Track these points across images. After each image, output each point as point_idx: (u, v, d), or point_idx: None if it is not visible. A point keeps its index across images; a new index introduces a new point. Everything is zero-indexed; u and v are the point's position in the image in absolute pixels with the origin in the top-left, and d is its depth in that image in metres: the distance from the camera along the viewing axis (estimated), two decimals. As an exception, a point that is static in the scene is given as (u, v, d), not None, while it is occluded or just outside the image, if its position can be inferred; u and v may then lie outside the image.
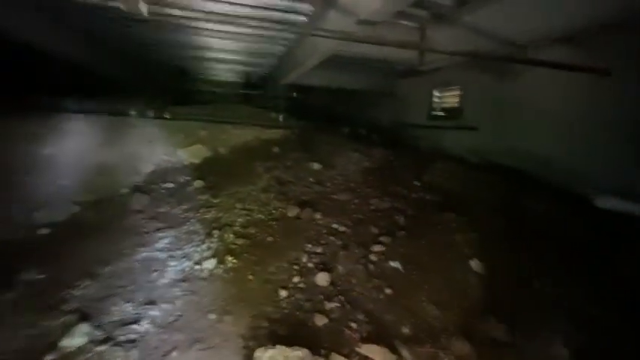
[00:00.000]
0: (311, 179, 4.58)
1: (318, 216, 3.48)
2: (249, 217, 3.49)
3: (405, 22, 4.37)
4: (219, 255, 2.79)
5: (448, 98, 6.10)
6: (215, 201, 3.86)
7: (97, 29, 5.19)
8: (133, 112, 5.70)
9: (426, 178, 4.57)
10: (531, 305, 2.56)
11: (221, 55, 7.29)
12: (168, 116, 5.89)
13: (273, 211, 3.65)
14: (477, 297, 2.62)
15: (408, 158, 5.53)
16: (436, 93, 6.25)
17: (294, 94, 8.16)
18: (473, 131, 5.54)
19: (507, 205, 3.80)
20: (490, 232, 3.28)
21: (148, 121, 5.59)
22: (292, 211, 3.53)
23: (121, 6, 1.86)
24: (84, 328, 2.01)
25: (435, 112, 6.29)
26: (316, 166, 4.98)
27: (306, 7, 4.14)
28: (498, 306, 2.49)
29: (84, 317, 2.13)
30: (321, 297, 2.40)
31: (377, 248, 2.88)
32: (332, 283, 2.54)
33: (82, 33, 5.25)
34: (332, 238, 3.12)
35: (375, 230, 3.22)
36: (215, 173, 4.63)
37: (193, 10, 3.87)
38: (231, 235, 3.11)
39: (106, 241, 3.02)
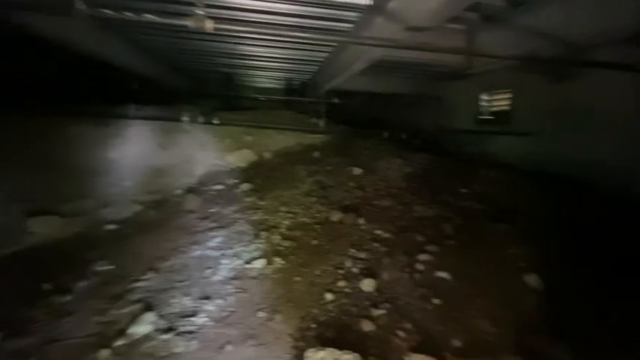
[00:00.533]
0: (352, 184, 4.59)
1: (361, 221, 3.49)
2: (293, 220, 3.59)
3: (453, 26, 4.26)
4: (267, 255, 2.89)
5: (497, 102, 5.81)
6: (261, 203, 4.02)
7: (158, 43, 5.63)
8: (185, 118, 6.10)
9: (474, 186, 4.38)
10: (596, 324, 2.35)
11: (265, 63, 7.58)
12: (216, 122, 6.22)
13: (317, 215, 3.71)
14: (534, 313, 2.45)
15: (454, 164, 5.34)
16: (484, 96, 5.98)
17: (334, 100, 8.23)
18: (524, 137, 5.22)
19: (564, 217, 3.52)
20: (547, 245, 3.06)
21: (198, 127, 5.95)
22: (335, 216, 3.56)
23: (189, 24, 2.03)
24: (149, 317, 2.19)
25: (482, 117, 6.02)
26: (357, 170, 4.99)
27: (352, 15, 4.19)
28: (559, 324, 2.31)
29: (148, 307, 2.32)
30: (367, 303, 2.39)
31: (423, 257, 2.82)
32: (377, 290, 2.52)
33: (147, 48, 5.73)
34: (375, 244, 3.10)
35: (420, 238, 3.15)
36: (260, 177, 4.81)
37: (248, 22, 4.08)
38: (278, 237, 3.22)
39: (164, 238, 3.27)
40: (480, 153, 5.81)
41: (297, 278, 2.62)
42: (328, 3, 3.75)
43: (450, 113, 6.91)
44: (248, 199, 4.14)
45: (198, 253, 3.00)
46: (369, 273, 2.67)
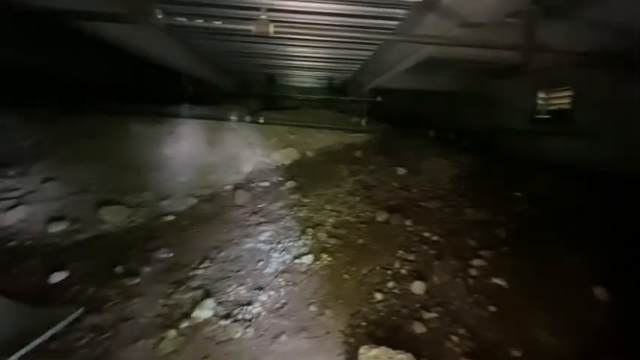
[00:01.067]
0: (396, 184, 4.53)
1: (407, 222, 3.44)
2: (338, 219, 3.63)
3: (511, 20, 4.03)
4: (314, 252, 2.96)
5: (556, 100, 5.40)
6: (306, 201, 4.10)
7: (209, 47, 5.93)
8: (233, 118, 6.39)
9: (528, 189, 4.13)
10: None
11: (307, 63, 7.69)
12: (262, 121, 6.44)
13: (361, 214, 3.72)
14: (600, 327, 2.27)
15: (505, 166, 5.07)
16: (541, 94, 5.58)
17: (377, 98, 8.14)
18: (585, 137, 4.80)
19: (628, 223, 3.20)
20: (612, 253, 2.81)
21: (245, 126, 6.21)
22: (381, 216, 3.55)
23: (253, 29, 2.13)
24: (209, 303, 2.34)
25: (538, 116, 5.63)
26: (401, 171, 4.91)
27: (399, 12, 4.12)
28: (628, 339, 2.12)
29: (207, 294, 2.48)
30: (418, 305, 2.36)
31: (477, 262, 2.72)
32: (428, 293, 2.48)
33: (200, 51, 6.05)
34: (424, 246, 3.05)
35: (472, 243, 3.04)
36: (304, 175, 4.91)
37: (302, 24, 4.16)
38: (324, 235, 3.27)
39: (217, 230, 3.46)
40: (534, 154, 5.44)
41: (346, 276, 2.65)
42: (376, 1, 3.72)
43: (502, 112, 6.54)
44: (293, 197, 4.25)
45: (250, 245, 3.15)
46: (418, 275, 2.64)
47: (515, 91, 6.23)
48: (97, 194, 4.08)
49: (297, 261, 2.85)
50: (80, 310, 2.33)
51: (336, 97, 9.17)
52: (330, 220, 3.58)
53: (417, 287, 2.49)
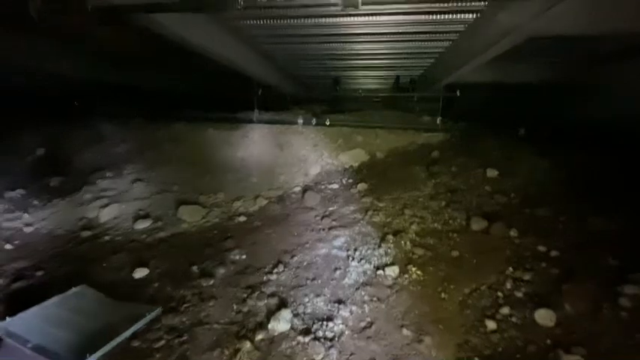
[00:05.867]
0: (487, 188, 3.88)
1: (512, 233, 2.82)
2: (422, 225, 3.16)
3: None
4: (399, 263, 2.55)
5: None
6: (380, 204, 3.71)
7: (277, 52, 5.93)
8: (299, 121, 6.31)
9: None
10: None
11: (372, 61, 7.31)
12: (328, 123, 6.25)
13: (450, 222, 3.19)
14: None
15: (629, 165, 4.03)
16: (682, 77, 4.38)
17: (452, 94, 7.39)
18: None
19: None
20: None
21: (311, 128, 6.07)
22: (477, 224, 2.98)
23: (339, 2, 1.86)
24: (285, 314, 2.09)
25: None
26: (491, 172, 4.22)
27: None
28: None
29: (283, 303, 2.25)
30: (549, 342, 1.80)
31: (630, 290, 2.02)
32: (560, 325, 1.89)
33: (268, 57, 6.10)
34: (542, 263, 2.42)
35: (612, 262, 2.33)
36: (375, 177, 4.53)
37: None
38: (408, 243, 2.84)
39: (289, 232, 3.27)
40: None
41: (443, 295, 2.19)
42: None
43: (618, 102, 5.34)
44: (365, 200, 3.89)
45: (324, 251, 2.87)
46: (542, 301, 2.05)
47: (635, 76, 5.01)
48: (177, 194, 4.24)
49: (380, 272, 2.47)
50: (159, 310, 2.28)
51: (404, 94, 8.62)
52: (413, 227, 3.13)
53: (544, 317, 1.92)
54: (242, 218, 3.71)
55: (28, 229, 3.86)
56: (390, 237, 2.96)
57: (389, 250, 2.74)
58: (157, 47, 3.81)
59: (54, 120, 5.98)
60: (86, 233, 3.71)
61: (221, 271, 2.76)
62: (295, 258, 2.80)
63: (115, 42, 4.03)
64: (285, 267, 2.69)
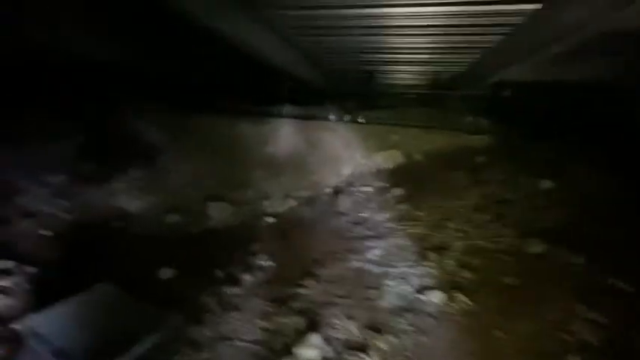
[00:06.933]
0: (542, 201, 3.45)
1: (578, 260, 2.43)
2: (467, 242, 2.83)
3: None
4: (444, 287, 2.26)
5: None
6: (418, 214, 3.41)
7: (311, 45, 5.68)
8: (332, 117, 6.05)
9: None
10: None
11: (412, 55, 6.86)
12: (362, 120, 5.95)
13: (499, 240, 2.83)
14: None
15: None
16: None
17: (501, 92, 6.79)
18: None
19: None
20: None
21: (343, 125, 5.80)
22: (534, 246, 2.61)
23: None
24: (315, 340, 1.89)
25: None
26: (546, 183, 3.76)
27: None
28: None
29: (312, 324, 2.05)
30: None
31: None
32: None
33: (301, 50, 5.87)
34: (619, 301, 2.04)
35: None
36: (412, 181, 4.20)
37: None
38: (452, 263, 2.54)
39: (319, 239, 3.06)
40: None
41: (498, 333, 1.89)
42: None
43: None
44: (401, 207, 3.60)
45: (357, 264, 2.63)
46: (622, 353, 1.70)
47: None
48: (206, 189, 4.17)
49: (421, 297, 2.20)
50: (181, 318, 2.16)
51: (444, 92, 8.08)
52: (457, 243, 2.81)
53: (628, 375, 1.58)
54: (270, 219, 3.55)
55: (64, 216, 3.93)
56: (430, 254, 2.66)
57: (430, 270, 2.46)
58: (186, 38, 3.68)
59: (90, 107, 6.09)
60: (117, 224, 3.72)
61: (247, 277, 2.61)
62: (325, 270, 2.59)
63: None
64: (314, 279, 2.49)
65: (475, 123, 6.23)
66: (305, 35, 5.58)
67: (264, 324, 2.11)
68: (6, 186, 3.86)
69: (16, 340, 1.90)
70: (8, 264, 2.75)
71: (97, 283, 2.42)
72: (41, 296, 2.42)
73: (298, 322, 2.07)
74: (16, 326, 1.91)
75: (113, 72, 5.35)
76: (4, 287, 2.56)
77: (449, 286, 2.27)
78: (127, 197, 4.14)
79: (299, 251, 2.89)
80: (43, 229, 3.54)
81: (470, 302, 2.11)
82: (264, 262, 2.80)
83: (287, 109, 6.64)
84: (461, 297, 2.15)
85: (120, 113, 5.65)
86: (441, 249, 2.74)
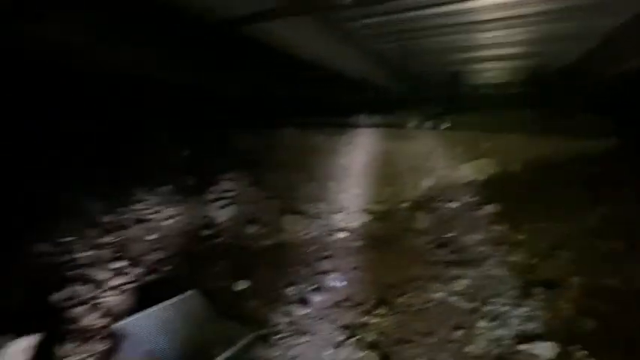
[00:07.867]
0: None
1: None
2: (587, 279, 2.22)
3: None
4: (556, 337, 1.78)
5: None
6: (519, 237, 2.87)
7: (387, 51, 5.47)
8: (411, 124, 5.68)
9: None
10: None
11: (502, 51, 6.01)
12: (445, 126, 5.43)
13: (634, 278, 2.16)
14: None
15: None
16: None
17: (625, 87, 5.47)
18: None
19: None
20: None
21: (424, 132, 5.38)
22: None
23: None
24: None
25: None
26: None
27: None
28: None
29: (386, 362, 1.82)
30: None
31: None
32: None
33: (377, 57, 5.71)
34: None
35: None
36: (508, 196, 3.59)
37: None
38: (568, 305, 2.01)
39: (395, 262, 2.80)
40: None
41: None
42: None
43: None
44: (496, 227, 3.09)
45: (439, 295, 2.30)
46: None
47: None
48: (282, 201, 4.27)
49: (524, 348, 1.77)
50: (254, 336, 2.17)
51: (544, 91, 6.88)
52: (574, 279, 2.23)
53: None
54: (342, 234, 3.43)
55: (165, 223, 4.48)
56: (537, 290, 2.17)
57: (538, 313, 1.98)
58: (261, 54, 3.87)
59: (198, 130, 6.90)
60: (205, 232, 4.06)
61: (317, 298, 2.51)
62: (402, 298, 2.33)
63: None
64: (389, 309, 2.25)
65: (587, 124, 5.11)
66: (386, 42, 5.38)
67: (333, 355, 1.97)
68: (128, 196, 4.59)
69: (114, 338, 2.13)
70: (123, 264, 3.20)
71: (188, 291, 2.61)
72: (141, 297, 2.72)
73: (370, 357, 1.86)
74: (115, 325, 2.15)
75: (207, 97, 6.00)
76: (118, 285, 2.97)
77: (563, 335, 1.78)
78: (216, 208, 4.51)
79: (372, 273, 2.68)
80: (149, 235, 4.09)
81: (597, 364, 1.61)
82: (336, 282, 2.67)
83: (366, 118, 6.52)
84: (580, 354, 1.66)
85: (219, 131, 6.26)
86: (551, 285, 2.21)
